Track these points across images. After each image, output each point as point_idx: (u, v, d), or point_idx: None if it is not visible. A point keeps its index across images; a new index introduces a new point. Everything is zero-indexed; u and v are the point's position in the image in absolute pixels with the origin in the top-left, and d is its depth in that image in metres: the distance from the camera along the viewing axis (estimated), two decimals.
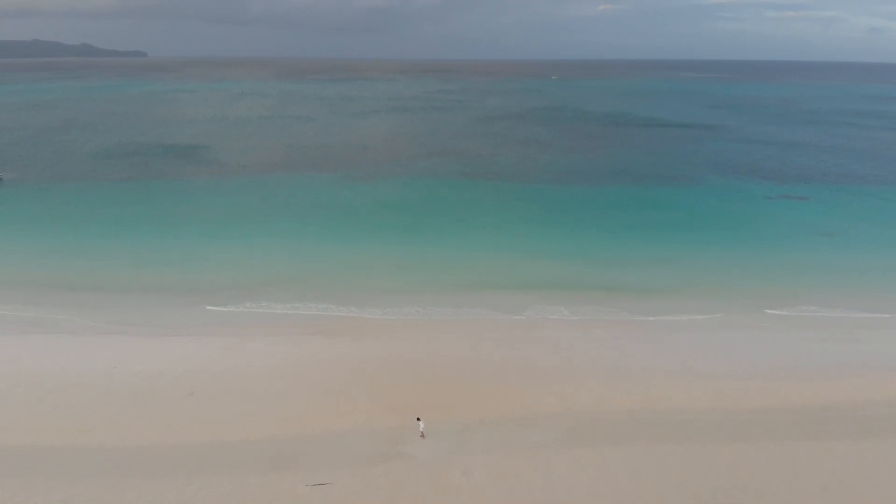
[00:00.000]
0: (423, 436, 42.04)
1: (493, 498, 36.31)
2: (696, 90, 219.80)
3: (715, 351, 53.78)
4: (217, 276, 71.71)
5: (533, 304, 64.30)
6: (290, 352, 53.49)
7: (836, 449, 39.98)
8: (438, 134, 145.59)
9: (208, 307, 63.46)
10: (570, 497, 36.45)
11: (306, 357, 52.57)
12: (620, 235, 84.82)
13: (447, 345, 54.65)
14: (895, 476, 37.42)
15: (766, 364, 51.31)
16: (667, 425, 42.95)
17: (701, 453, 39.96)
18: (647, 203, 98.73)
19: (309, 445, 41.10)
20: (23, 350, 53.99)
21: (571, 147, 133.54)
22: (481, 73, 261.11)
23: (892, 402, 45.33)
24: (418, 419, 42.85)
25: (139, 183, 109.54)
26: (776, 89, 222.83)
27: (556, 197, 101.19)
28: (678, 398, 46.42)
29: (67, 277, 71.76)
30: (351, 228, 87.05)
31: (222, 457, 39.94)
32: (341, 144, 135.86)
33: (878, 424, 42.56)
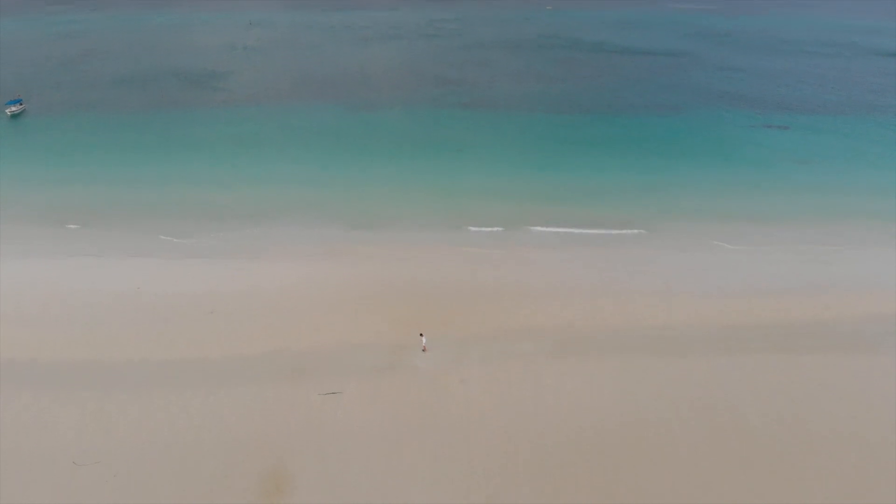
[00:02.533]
0: (425, 349, 42.50)
1: (488, 403, 37.03)
2: (683, 21, 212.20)
3: (694, 272, 53.77)
4: (228, 201, 70.84)
5: (526, 228, 63.88)
6: (300, 274, 53.42)
7: (804, 362, 40.49)
8: (437, 63, 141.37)
9: (221, 231, 62.95)
10: (557, 402, 37.14)
11: (316, 278, 52.54)
12: (608, 162, 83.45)
13: (447, 267, 54.56)
14: (857, 387, 38.05)
15: (742, 284, 51.38)
16: (647, 340, 43.34)
17: (678, 366, 40.47)
18: (633, 131, 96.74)
19: (320, 358, 41.55)
20: (53, 272, 53.87)
21: (563, 76, 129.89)
22: (478, 0, 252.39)
23: (858, 320, 45.62)
24: (421, 334, 43.25)
25: (156, 110, 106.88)
26: (760, 21, 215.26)
27: (548, 126, 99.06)
28: (659, 315, 46.67)
29: (91, 202, 70.87)
30: (354, 157, 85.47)
31: (242, 369, 40.45)
32: (344, 73, 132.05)
33: (844, 340, 42.94)
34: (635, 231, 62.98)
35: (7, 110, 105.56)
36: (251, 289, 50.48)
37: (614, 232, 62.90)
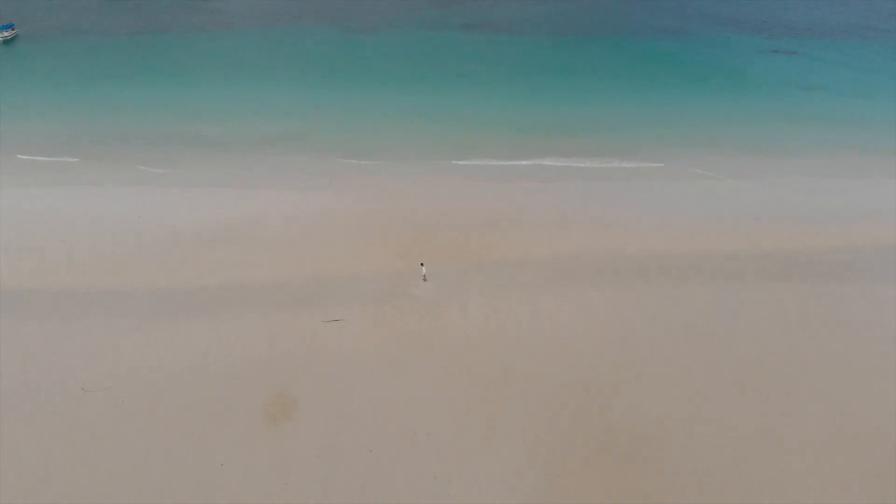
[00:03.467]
0: (425, 278, 42.39)
1: (487, 331, 37.17)
2: None
3: (695, 200, 53.12)
4: (225, 128, 69.40)
5: (527, 157, 62.80)
6: (301, 202, 52.80)
7: (800, 291, 40.40)
8: None
9: (219, 161, 61.85)
10: (553, 328, 37.27)
11: (317, 207, 51.96)
12: (610, 90, 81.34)
13: (447, 198, 53.86)
14: (853, 316, 38.05)
15: (741, 213, 50.83)
16: (644, 268, 43.16)
17: (674, 293, 40.40)
18: (639, 55, 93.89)
19: (323, 287, 41.49)
20: (56, 200, 53.25)
21: None
22: None
23: (855, 250, 45.29)
24: (421, 264, 43.03)
25: (149, 35, 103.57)
26: None
27: (550, 50, 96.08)
28: (657, 244, 46.35)
29: (89, 130, 69.50)
30: (351, 83, 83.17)
31: (246, 297, 40.44)
32: None
33: (839, 269, 42.74)
34: (636, 161, 61.94)
35: None
36: (251, 218, 49.98)
37: (615, 163, 61.87)
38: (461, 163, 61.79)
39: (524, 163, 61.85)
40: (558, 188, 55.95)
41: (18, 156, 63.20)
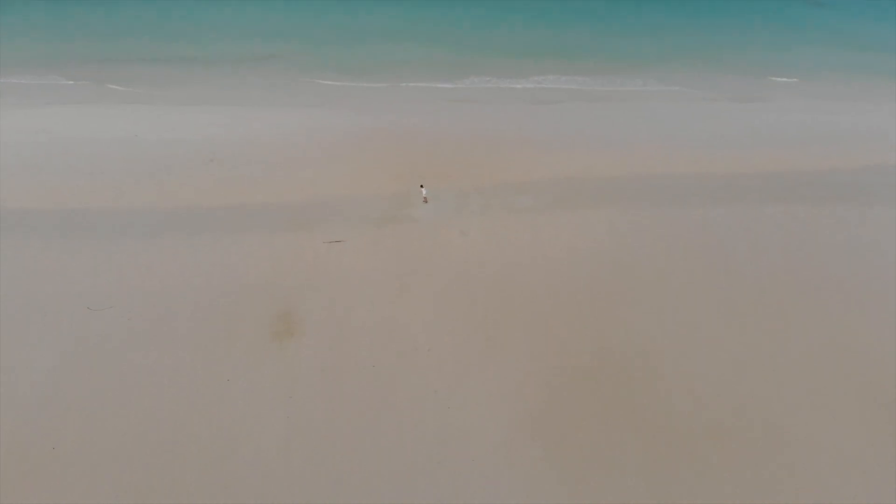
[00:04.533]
0: (425, 201, 41.76)
1: (486, 253, 36.88)
2: None
3: (697, 120, 51.85)
4: (216, 47, 66.90)
5: (529, 76, 60.87)
6: (299, 121, 51.44)
7: (800, 212, 39.92)
8: None
9: (214, 78, 59.90)
10: (553, 251, 36.99)
11: (315, 127, 50.67)
12: (614, 6, 78.18)
13: (447, 118, 52.46)
14: (852, 237, 37.72)
15: (744, 134, 49.71)
16: (645, 190, 42.51)
17: (674, 215, 39.93)
18: None
19: (322, 209, 40.89)
20: (50, 120, 51.81)
21: None
22: None
23: (856, 171, 44.51)
24: (421, 186, 42.30)
25: None
26: None
27: None
28: (658, 165, 45.51)
29: (82, 48, 67.03)
30: None
31: (246, 218, 39.90)
32: None
33: (839, 191, 42.13)
34: (638, 83, 60.10)
35: None
36: (249, 137, 48.81)
37: (616, 84, 60.02)
38: (460, 83, 59.95)
39: (525, 83, 60.00)
40: (560, 110, 54.50)
41: (7, 78, 61.15)
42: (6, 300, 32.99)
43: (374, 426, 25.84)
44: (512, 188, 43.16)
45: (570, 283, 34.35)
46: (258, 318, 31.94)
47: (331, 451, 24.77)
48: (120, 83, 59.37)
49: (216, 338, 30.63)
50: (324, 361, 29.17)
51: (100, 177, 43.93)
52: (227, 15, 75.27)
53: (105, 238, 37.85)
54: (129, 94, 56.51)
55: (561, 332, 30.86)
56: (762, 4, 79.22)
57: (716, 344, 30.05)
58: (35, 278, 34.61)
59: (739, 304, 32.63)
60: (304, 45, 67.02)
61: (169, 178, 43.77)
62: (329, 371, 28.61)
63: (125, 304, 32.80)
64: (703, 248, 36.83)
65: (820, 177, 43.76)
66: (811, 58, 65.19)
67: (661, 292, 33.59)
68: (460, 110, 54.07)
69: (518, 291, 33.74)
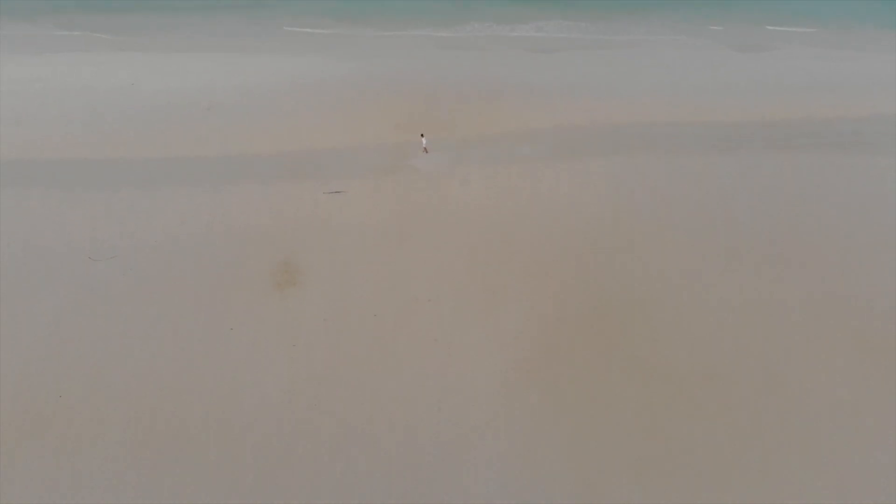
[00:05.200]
0: (426, 150, 41.05)
1: (487, 203, 36.45)
2: None
3: (700, 69, 50.59)
4: None
5: (529, 22, 59.14)
6: (297, 69, 50.17)
7: (801, 161, 39.29)
8: None
9: (208, 22, 58.17)
10: (553, 199, 36.57)
11: (313, 75, 49.45)
12: None
13: (448, 65, 51.15)
14: (852, 187, 37.21)
15: (747, 83, 48.56)
16: (647, 138, 41.79)
17: (676, 163, 39.34)
18: None
19: (323, 158, 40.25)
20: (45, 68, 50.53)
21: None
22: None
23: (860, 120, 43.65)
24: (422, 135, 41.52)
25: None
26: None
27: None
28: (661, 113, 44.61)
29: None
30: None
31: (245, 167, 39.29)
32: None
33: (841, 139, 41.39)
34: (641, 31, 58.43)
35: None
36: (247, 85, 47.67)
37: (619, 30, 58.35)
38: (459, 30, 58.29)
39: (526, 30, 58.35)
40: (561, 57, 53.13)
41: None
42: (7, 252, 32.73)
43: (376, 374, 25.92)
44: (512, 137, 42.41)
45: (571, 231, 34.04)
46: (260, 267, 31.74)
47: (334, 398, 24.90)
48: (113, 31, 57.72)
49: (218, 287, 30.48)
50: (326, 311, 29.10)
51: (95, 126, 43.10)
52: None
53: (104, 188, 37.32)
54: (122, 41, 55.00)
55: (560, 281, 30.72)
56: None
57: (714, 291, 29.93)
58: (35, 229, 34.25)
59: (739, 253, 32.38)
60: None
61: (165, 128, 42.96)
62: (331, 320, 28.56)
63: (126, 254, 32.54)
64: (704, 197, 36.39)
65: (823, 126, 42.94)
66: (817, 7, 63.30)
67: (661, 240, 33.30)
68: (460, 58, 52.72)
69: (518, 241, 33.46)
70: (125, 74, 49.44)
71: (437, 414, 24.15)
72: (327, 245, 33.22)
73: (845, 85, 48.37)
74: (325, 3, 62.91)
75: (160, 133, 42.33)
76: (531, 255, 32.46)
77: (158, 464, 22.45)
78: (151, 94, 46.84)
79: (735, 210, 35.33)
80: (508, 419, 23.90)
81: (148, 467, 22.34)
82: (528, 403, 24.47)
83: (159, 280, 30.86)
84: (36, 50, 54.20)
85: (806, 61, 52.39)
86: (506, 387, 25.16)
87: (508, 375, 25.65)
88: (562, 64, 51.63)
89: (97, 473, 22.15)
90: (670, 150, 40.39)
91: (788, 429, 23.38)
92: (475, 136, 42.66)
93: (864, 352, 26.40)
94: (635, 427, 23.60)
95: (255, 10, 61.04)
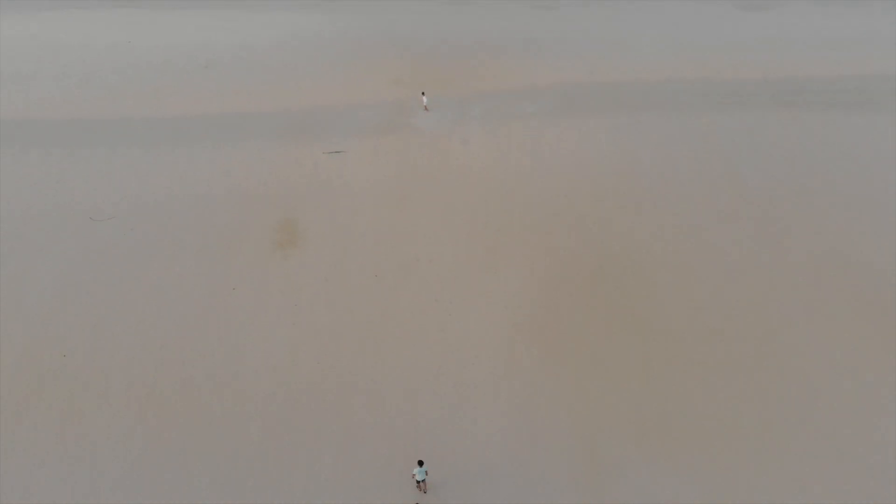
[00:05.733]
0: (426, 109, 40.24)
1: (488, 161, 35.87)
2: None
3: (706, 25, 49.16)
4: None
5: None
6: (294, 24, 48.85)
7: (805, 119, 38.44)
8: None
9: None
10: (554, 158, 35.98)
11: (311, 30, 48.18)
12: None
13: (447, 20, 49.76)
14: (857, 145, 36.47)
15: (751, 39, 47.23)
16: (650, 96, 40.87)
17: (679, 121, 38.57)
18: None
19: (322, 117, 39.51)
20: (41, 26, 49.28)
21: None
22: None
23: (864, 78, 42.54)
24: (422, 93, 40.64)
25: None
26: None
27: None
28: (664, 70, 43.54)
29: None
30: None
31: (243, 126, 38.61)
32: None
33: (847, 97, 40.42)
34: None
35: None
36: (245, 41, 46.49)
37: None
38: None
39: None
40: (563, 12, 51.68)
41: None
42: (8, 212, 32.42)
43: (378, 333, 25.88)
44: (514, 94, 41.52)
45: (572, 190, 33.58)
46: (260, 227, 31.45)
47: (336, 356, 24.92)
48: None
49: (220, 247, 30.26)
50: (327, 271, 28.92)
51: (93, 84, 42.23)
52: None
53: (103, 146, 36.76)
54: None
55: (561, 240, 30.44)
56: None
57: (715, 251, 29.65)
58: (35, 189, 33.86)
59: (741, 212, 31.95)
60: None
61: (163, 86, 42.09)
62: (332, 281, 28.41)
63: (127, 214, 32.22)
64: (707, 155, 35.77)
65: (829, 83, 41.91)
66: None
67: (663, 199, 32.85)
68: (460, 14, 51.31)
69: (519, 200, 33.04)
70: (122, 31, 48.24)
71: (438, 372, 24.20)
72: (328, 205, 32.84)
73: (851, 42, 47.03)
74: None
75: (158, 91, 41.50)
76: (532, 215, 32.10)
77: (164, 420, 22.60)
78: (148, 51, 45.77)
79: (739, 168, 34.75)
80: (509, 376, 23.94)
81: (154, 424, 22.49)
82: (529, 361, 24.49)
83: (160, 240, 30.62)
84: (32, 7, 52.86)
85: (811, 18, 50.90)
86: (506, 345, 25.15)
87: (509, 334, 25.61)
88: (565, 20, 50.23)
89: (103, 431, 22.31)
90: (674, 108, 39.56)
91: (786, 386, 23.42)
92: (476, 92, 41.79)
93: (864, 311, 26.27)
94: (634, 384, 23.64)
95: None
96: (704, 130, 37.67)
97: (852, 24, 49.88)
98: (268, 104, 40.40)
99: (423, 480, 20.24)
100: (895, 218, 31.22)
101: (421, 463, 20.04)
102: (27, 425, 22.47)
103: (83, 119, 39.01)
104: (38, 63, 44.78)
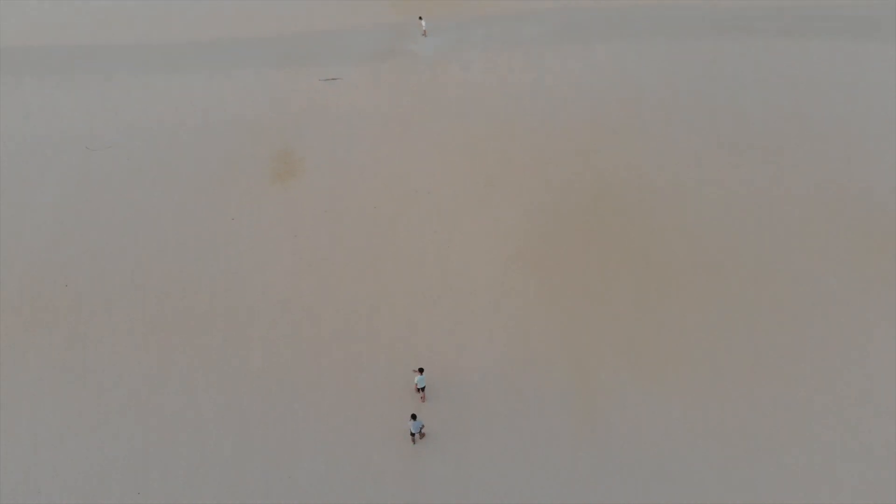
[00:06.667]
0: (425, 34, 38.55)
1: (488, 88, 34.58)
2: None
3: None
4: None
5: None
6: None
7: (811, 47, 36.76)
8: None
9: None
10: (556, 85, 34.70)
11: None
12: None
13: None
14: (862, 75, 35.05)
15: None
16: (653, 21, 39.03)
17: (682, 47, 36.96)
18: None
19: (318, 43, 37.90)
20: None
21: None
22: None
23: (874, 5, 40.53)
24: (420, 18, 38.82)
25: None
26: None
27: None
28: None
29: None
30: None
31: (238, 53, 37.11)
32: None
33: (856, 25, 38.57)
34: None
35: None
36: None
37: None
38: None
39: None
40: None
41: None
42: (5, 142, 31.62)
43: (378, 264, 25.67)
44: (515, 17, 39.69)
45: (573, 118, 32.57)
46: (258, 157, 30.70)
47: (337, 286, 24.80)
48: None
49: (217, 177, 29.63)
50: (326, 203, 28.41)
51: (87, 9, 40.38)
52: None
53: (96, 74, 35.48)
54: None
55: (561, 171, 29.75)
56: None
57: (715, 181, 29.00)
58: (31, 119, 32.88)
59: (742, 141, 31.05)
60: None
61: (158, 10, 40.24)
62: (332, 212, 27.96)
63: (123, 143, 31.42)
64: (710, 83, 34.49)
65: (837, 9, 39.87)
66: None
67: (663, 128, 31.87)
68: None
69: (519, 129, 32.09)
70: None
71: (436, 302, 24.13)
72: (325, 135, 31.96)
73: None
74: None
75: (152, 17, 39.69)
76: (533, 144, 31.26)
77: (167, 349, 22.71)
78: None
79: (743, 97, 33.55)
80: (506, 305, 23.90)
81: (157, 353, 22.61)
82: (525, 292, 24.38)
83: (158, 170, 29.97)
84: None
85: None
86: (504, 276, 24.97)
87: (507, 265, 25.39)
88: None
89: (107, 359, 22.45)
90: (678, 34, 37.87)
91: (780, 316, 23.37)
92: (477, 16, 39.94)
93: (862, 244, 25.91)
94: (629, 314, 23.61)
95: None
96: (709, 57, 36.19)
97: None
98: (263, 30, 38.72)
99: (423, 388, 20.56)
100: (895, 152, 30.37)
101: (421, 370, 20.35)
102: (31, 356, 22.61)
103: (76, 47, 37.51)
104: None
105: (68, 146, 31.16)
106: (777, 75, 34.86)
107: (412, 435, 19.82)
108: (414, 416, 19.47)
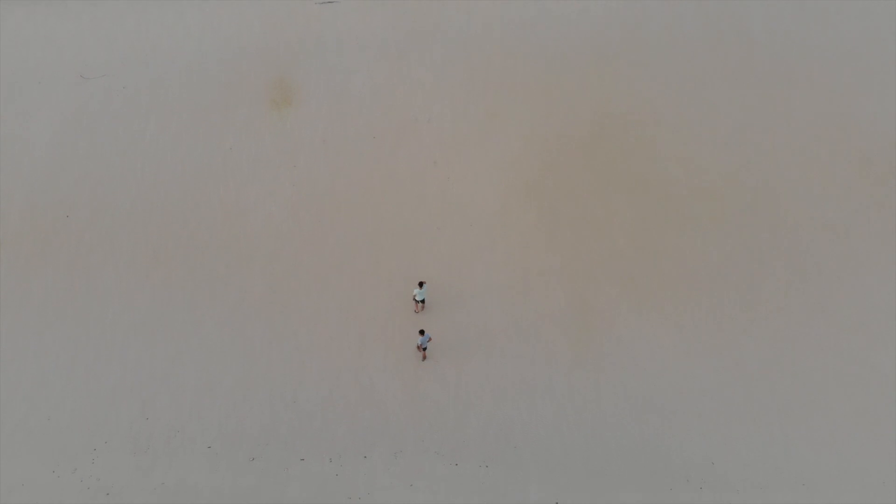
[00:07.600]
0: None
1: (489, 13, 32.63)
2: None
3: None
4: None
5: None
6: None
7: None
8: None
9: None
10: (560, 10, 32.64)
11: None
12: None
13: None
14: (870, 5, 33.33)
15: None
16: None
17: None
18: None
19: None
20: None
21: None
22: None
23: None
24: None
25: None
26: None
27: None
28: None
29: None
30: None
31: None
32: None
33: None
34: None
35: None
36: None
37: None
38: None
39: None
40: None
41: None
42: None
43: (377, 195, 25.20)
44: None
45: (576, 46, 31.17)
46: (254, 85, 29.60)
47: (336, 217, 24.45)
48: None
49: (214, 105, 28.67)
50: (324, 132, 27.60)
51: None
52: None
53: (89, 2, 33.88)
54: None
55: (562, 100, 28.75)
56: None
57: (717, 110, 28.02)
58: (23, 47, 31.53)
59: (746, 70, 29.79)
60: None
61: None
62: (330, 142, 27.21)
63: (118, 71, 30.23)
64: (716, 11, 32.83)
65: None
66: None
67: (667, 56, 30.49)
68: None
69: (521, 57, 30.77)
70: None
71: (436, 234, 23.82)
72: (322, 61, 30.67)
73: None
74: None
75: None
76: (534, 73, 30.05)
77: (169, 279, 22.57)
78: None
79: (748, 24, 31.87)
80: (506, 238, 23.59)
81: (159, 283, 22.49)
82: (525, 223, 24.01)
83: (154, 99, 28.98)
84: None
85: None
86: (503, 208, 24.53)
87: (506, 196, 24.90)
88: None
89: (109, 289, 22.35)
90: None
91: (777, 245, 23.08)
92: None
93: (863, 174, 25.29)
94: (628, 244, 23.33)
95: None
96: None
97: None
98: None
99: (423, 301, 20.58)
100: None
101: (421, 284, 20.30)
102: (34, 285, 22.50)
103: None
104: None
105: (62, 75, 30.04)
106: (785, 2, 33.15)
107: (423, 350, 19.86)
108: (422, 332, 19.49)
